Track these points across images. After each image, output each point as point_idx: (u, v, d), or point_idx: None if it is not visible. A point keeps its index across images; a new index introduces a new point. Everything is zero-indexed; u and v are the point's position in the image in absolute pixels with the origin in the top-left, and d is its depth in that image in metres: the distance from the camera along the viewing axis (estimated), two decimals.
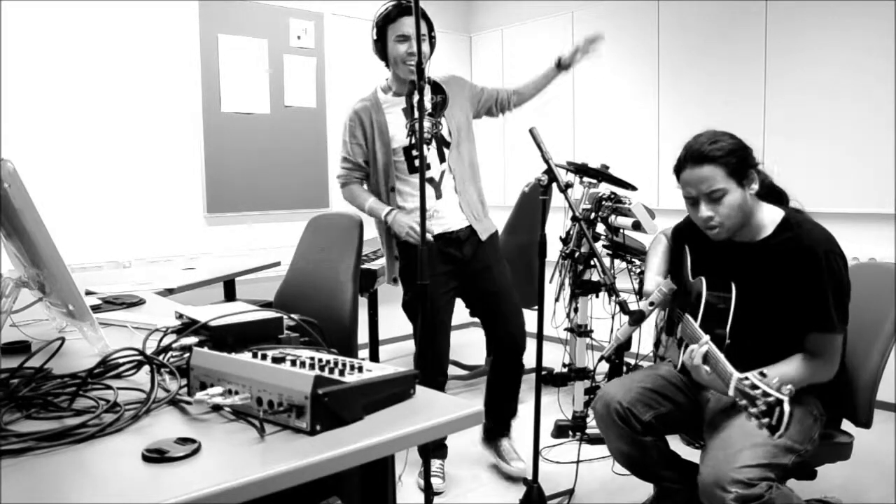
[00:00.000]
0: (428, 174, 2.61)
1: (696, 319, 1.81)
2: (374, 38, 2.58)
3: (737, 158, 1.72)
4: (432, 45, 2.59)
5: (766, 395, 1.42)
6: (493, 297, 2.71)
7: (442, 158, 2.63)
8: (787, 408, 1.38)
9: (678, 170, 1.80)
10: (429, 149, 2.60)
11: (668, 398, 1.93)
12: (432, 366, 2.59)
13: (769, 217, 1.81)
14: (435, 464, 2.73)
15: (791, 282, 1.73)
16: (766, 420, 1.40)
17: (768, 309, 1.77)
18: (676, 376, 1.97)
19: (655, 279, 2.05)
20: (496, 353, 2.81)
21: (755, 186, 1.76)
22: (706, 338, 1.67)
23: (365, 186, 2.75)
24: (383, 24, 2.53)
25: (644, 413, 1.88)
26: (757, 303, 1.77)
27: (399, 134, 2.58)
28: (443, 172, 2.63)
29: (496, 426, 2.87)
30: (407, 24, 2.50)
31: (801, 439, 1.68)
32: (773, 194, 1.86)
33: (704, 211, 1.75)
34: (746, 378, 1.48)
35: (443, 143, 2.64)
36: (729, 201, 1.72)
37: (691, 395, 1.96)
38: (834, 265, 1.69)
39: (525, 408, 3.59)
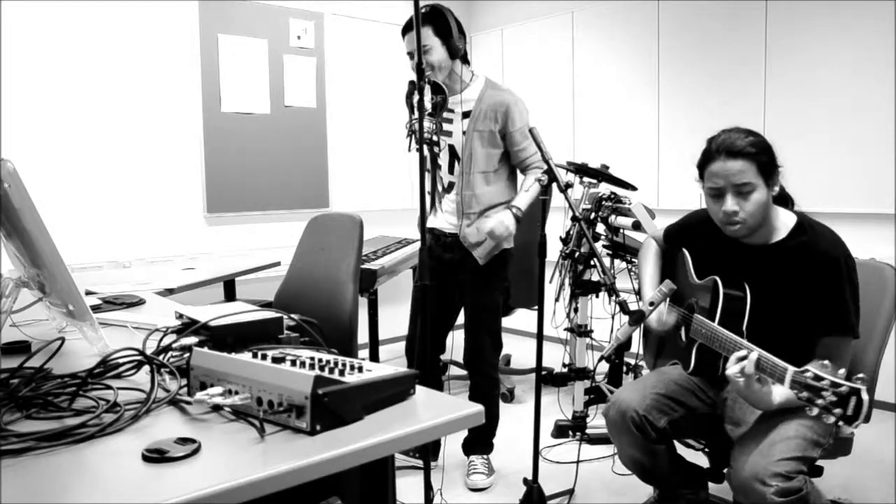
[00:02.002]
0: (439, 172, 2.68)
1: (711, 319, 1.80)
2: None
3: (767, 157, 1.73)
4: (452, 49, 2.54)
5: (835, 385, 1.40)
6: (470, 313, 2.76)
7: (451, 170, 2.66)
8: (864, 397, 1.37)
9: (705, 161, 1.78)
10: (438, 150, 2.64)
11: (681, 403, 1.91)
12: (417, 356, 2.61)
13: (782, 220, 1.80)
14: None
15: (809, 286, 1.72)
16: (838, 411, 1.39)
17: (783, 310, 1.77)
18: (687, 379, 1.95)
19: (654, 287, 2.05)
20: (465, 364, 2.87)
21: (777, 188, 1.76)
22: (754, 347, 1.62)
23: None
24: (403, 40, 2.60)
25: (659, 420, 1.86)
26: (771, 304, 1.77)
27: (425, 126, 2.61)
28: (451, 183, 2.68)
29: (473, 441, 2.86)
30: (406, 43, 2.55)
31: (824, 433, 1.69)
32: (781, 198, 1.85)
33: (730, 205, 1.73)
34: (806, 370, 1.46)
35: (455, 157, 2.64)
36: (755, 198, 1.72)
37: (705, 396, 1.95)
38: (852, 270, 1.71)
39: (525, 408, 3.59)
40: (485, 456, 2.82)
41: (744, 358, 1.60)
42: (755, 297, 1.78)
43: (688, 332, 1.91)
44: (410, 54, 2.54)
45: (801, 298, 1.74)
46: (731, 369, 1.61)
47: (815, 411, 1.42)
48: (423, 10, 2.44)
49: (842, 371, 1.44)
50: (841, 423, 1.40)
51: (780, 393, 1.58)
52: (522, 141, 2.58)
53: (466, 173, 2.61)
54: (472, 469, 2.77)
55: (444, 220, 2.72)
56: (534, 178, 2.59)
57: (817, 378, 1.44)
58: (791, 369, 1.50)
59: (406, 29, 2.54)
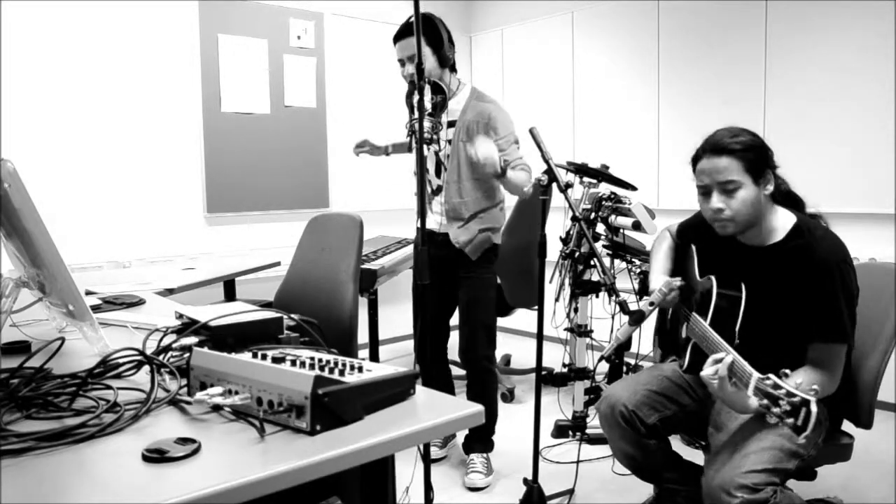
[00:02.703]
0: (427, 175, 2.67)
1: (704, 318, 1.80)
2: None
3: (755, 155, 1.71)
4: (442, 58, 2.60)
5: (790, 395, 1.40)
6: (463, 308, 2.78)
7: (437, 174, 2.70)
8: (813, 408, 1.37)
9: (696, 160, 1.79)
10: (428, 149, 2.64)
11: (673, 400, 1.92)
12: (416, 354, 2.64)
13: (781, 222, 1.79)
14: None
15: (802, 290, 1.71)
16: (790, 420, 1.39)
17: (777, 313, 1.76)
18: (681, 377, 1.96)
19: (661, 278, 2.02)
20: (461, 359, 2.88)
21: (770, 187, 1.75)
22: (731, 351, 1.62)
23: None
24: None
25: (649, 416, 1.87)
26: (766, 306, 1.76)
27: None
28: (440, 186, 2.72)
29: (473, 438, 2.86)
30: (398, 49, 2.62)
31: (806, 444, 1.67)
32: (789, 200, 1.84)
33: (716, 202, 1.73)
34: (768, 378, 1.46)
35: (440, 162, 2.70)
36: (742, 196, 1.71)
37: (696, 395, 1.95)
38: (846, 277, 1.68)
39: (525, 408, 3.59)
40: (484, 455, 2.82)
41: (720, 360, 1.61)
42: (751, 297, 1.77)
43: (687, 329, 1.92)
44: (401, 61, 2.63)
45: (795, 302, 1.73)
46: (706, 371, 1.62)
47: (774, 419, 1.43)
48: (413, 19, 2.46)
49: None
50: (794, 432, 1.40)
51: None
52: (507, 147, 2.61)
53: (454, 181, 2.67)
54: (472, 468, 2.77)
55: (433, 220, 2.76)
56: (522, 172, 2.58)
57: (776, 386, 1.44)
58: (755, 376, 1.50)
59: (398, 37, 2.61)
